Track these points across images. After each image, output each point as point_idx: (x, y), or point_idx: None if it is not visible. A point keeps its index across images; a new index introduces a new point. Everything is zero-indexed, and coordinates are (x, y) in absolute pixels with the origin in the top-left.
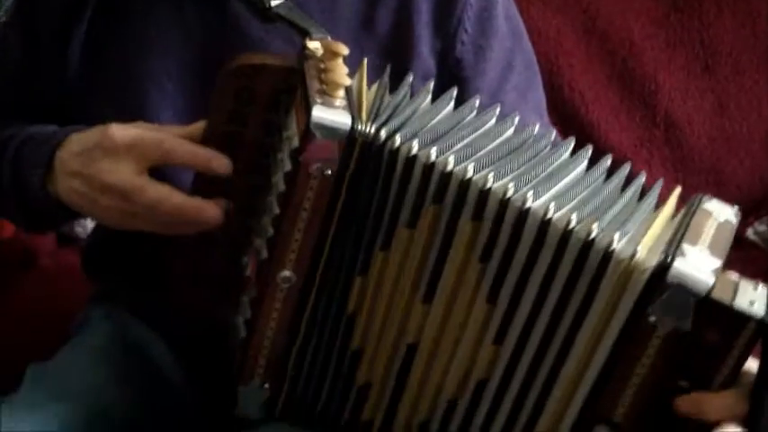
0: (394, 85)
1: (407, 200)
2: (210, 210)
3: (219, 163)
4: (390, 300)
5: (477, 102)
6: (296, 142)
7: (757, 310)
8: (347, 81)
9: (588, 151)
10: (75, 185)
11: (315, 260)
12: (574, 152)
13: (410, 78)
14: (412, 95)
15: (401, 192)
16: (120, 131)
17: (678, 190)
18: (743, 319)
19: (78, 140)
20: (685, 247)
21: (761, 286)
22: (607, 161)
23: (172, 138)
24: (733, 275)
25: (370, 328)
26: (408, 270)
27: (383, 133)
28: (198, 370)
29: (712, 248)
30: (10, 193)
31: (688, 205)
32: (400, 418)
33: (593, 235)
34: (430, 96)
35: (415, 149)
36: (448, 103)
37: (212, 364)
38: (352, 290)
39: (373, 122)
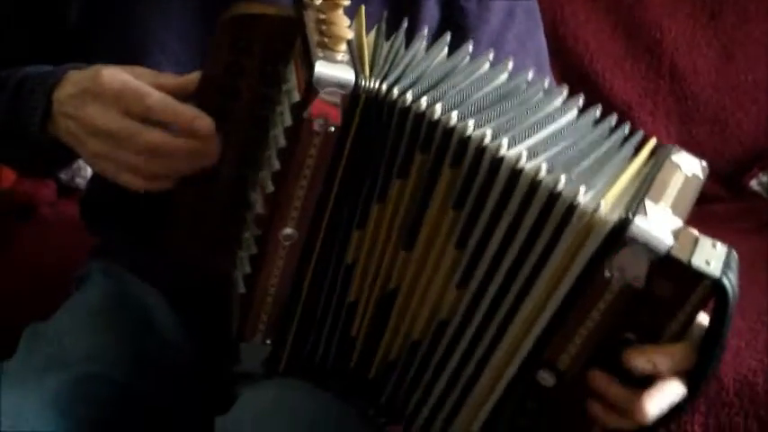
0: (390, 33)
1: (401, 151)
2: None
3: (202, 123)
4: (382, 251)
5: (471, 47)
6: (296, 96)
7: (713, 269)
8: (349, 34)
9: (579, 100)
10: (70, 126)
11: (317, 217)
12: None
13: (404, 25)
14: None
15: (396, 143)
16: (110, 78)
17: (653, 142)
18: (698, 277)
19: (73, 82)
20: (647, 204)
21: (719, 245)
22: (596, 110)
23: (157, 94)
24: (693, 232)
25: (364, 280)
26: (398, 220)
27: (385, 87)
28: (196, 326)
29: (675, 207)
30: (10, 135)
31: (656, 157)
32: (375, 361)
33: (559, 187)
34: (425, 43)
35: (409, 101)
36: (442, 50)
37: (210, 319)
38: (350, 244)
39: (376, 77)
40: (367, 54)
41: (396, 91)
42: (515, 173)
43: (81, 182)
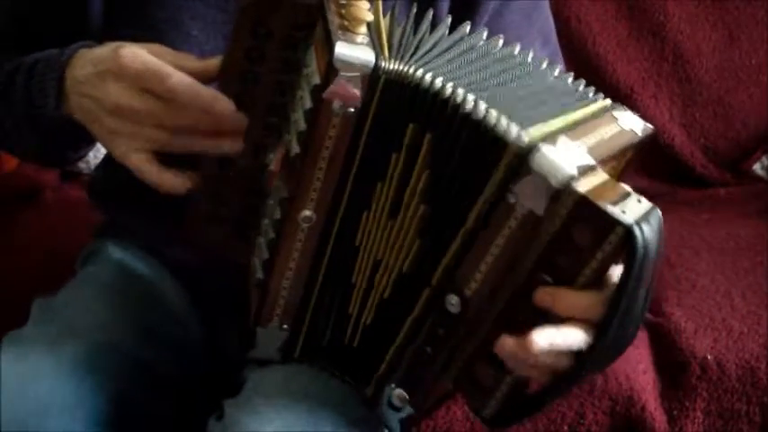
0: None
1: (398, 126)
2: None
3: (222, 106)
4: (377, 227)
5: (468, 29)
6: (317, 79)
7: (626, 217)
8: (369, 16)
9: (556, 68)
10: (84, 104)
11: (335, 199)
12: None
13: (431, 13)
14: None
15: (405, 122)
16: (130, 57)
17: (606, 102)
18: (611, 223)
19: (90, 60)
20: (562, 139)
21: (645, 201)
22: (559, 66)
23: (178, 74)
24: (625, 186)
25: (363, 260)
26: (391, 194)
27: (405, 68)
28: (205, 305)
29: (593, 148)
30: (25, 121)
31: (599, 107)
32: (359, 330)
33: (499, 128)
34: (428, 24)
35: (428, 82)
36: (443, 30)
37: (220, 300)
38: (360, 225)
39: (395, 58)
40: (385, 37)
41: (420, 72)
42: (473, 122)
43: (84, 166)
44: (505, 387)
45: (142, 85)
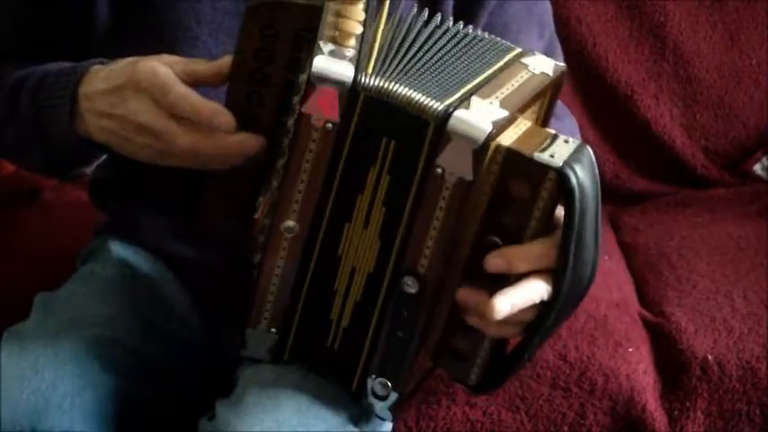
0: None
1: (373, 140)
2: (252, 140)
3: (222, 120)
4: (357, 237)
5: (461, 26)
6: (304, 88)
7: (555, 160)
8: (359, 29)
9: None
10: (106, 124)
11: (319, 213)
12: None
13: (413, 11)
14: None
15: (379, 134)
16: (144, 70)
17: (516, 50)
18: (542, 169)
19: (105, 77)
20: (474, 100)
21: (572, 140)
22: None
23: (178, 89)
24: (549, 130)
25: (345, 268)
26: (366, 205)
27: (386, 84)
28: (204, 303)
29: (506, 100)
30: (31, 133)
31: (509, 58)
32: (339, 333)
33: (427, 107)
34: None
35: (409, 98)
36: (445, 31)
37: (219, 298)
38: (342, 236)
39: (379, 74)
40: (377, 48)
41: (395, 87)
42: (404, 109)
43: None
44: (484, 352)
45: (155, 100)
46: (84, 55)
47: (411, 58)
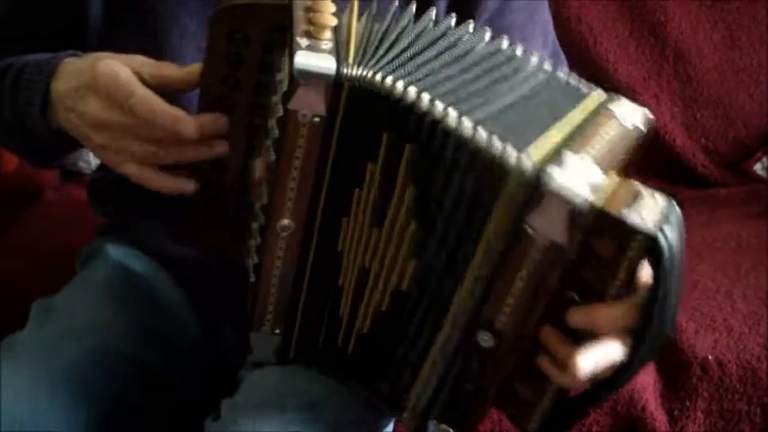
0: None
1: (373, 134)
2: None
3: (184, 127)
4: (360, 233)
5: (453, 22)
6: (286, 86)
7: (646, 223)
8: (333, 21)
9: (546, 62)
10: (71, 119)
11: (311, 207)
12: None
13: (395, 4)
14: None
15: (374, 129)
16: (105, 71)
17: (601, 96)
18: (631, 231)
19: (71, 74)
20: (567, 155)
21: (659, 197)
22: (569, 76)
23: (140, 93)
24: (633, 184)
25: (349, 264)
26: (371, 202)
27: (369, 73)
28: (202, 306)
29: (599, 157)
30: (13, 125)
31: (596, 106)
32: (353, 337)
33: (495, 150)
34: (412, 20)
35: (388, 86)
36: (427, 24)
37: (217, 300)
38: (341, 231)
39: (360, 64)
40: (354, 39)
41: (379, 76)
42: (461, 141)
43: (84, 166)
44: (547, 400)
45: (113, 101)
46: (80, 46)
47: (403, 51)
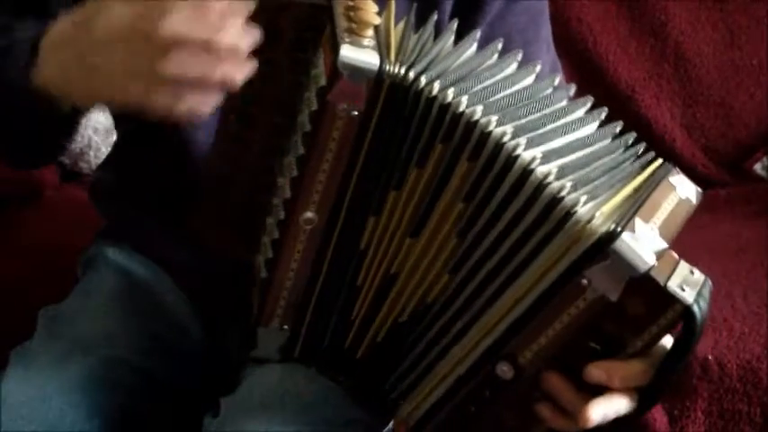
0: (420, 23)
1: (422, 139)
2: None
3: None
4: (391, 237)
5: (478, 35)
6: (323, 81)
7: (687, 295)
8: (377, 20)
9: (602, 113)
10: (68, 54)
11: (337, 202)
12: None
13: (434, 17)
14: (436, 35)
15: (418, 132)
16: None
17: (659, 161)
18: (671, 300)
19: (64, 19)
20: (637, 221)
21: (697, 272)
22: (617, 126)
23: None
24: (673, 255)
25: (371, 266)
26: (410, 208)
27: (411, 74)
28: (205, 308)
29: (663, 228)
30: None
31: (656, 175)
32: (365, 343)
33: (562, 193)
34: (453, 36)
35: (435, 91)
36: (471, 44)
37: (220, 302)
38: (365, 230)
39: (401, 63)
40: (394, 42)
41: (423, 79)
42: (526, 173)
43: (85, 166)
44: None
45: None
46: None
47: (445, 59)
